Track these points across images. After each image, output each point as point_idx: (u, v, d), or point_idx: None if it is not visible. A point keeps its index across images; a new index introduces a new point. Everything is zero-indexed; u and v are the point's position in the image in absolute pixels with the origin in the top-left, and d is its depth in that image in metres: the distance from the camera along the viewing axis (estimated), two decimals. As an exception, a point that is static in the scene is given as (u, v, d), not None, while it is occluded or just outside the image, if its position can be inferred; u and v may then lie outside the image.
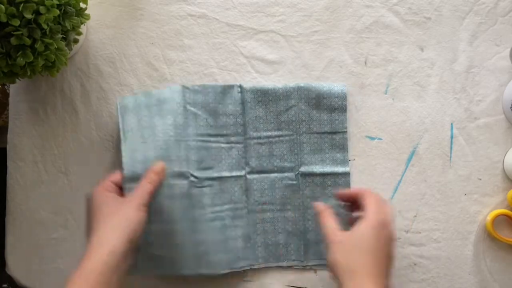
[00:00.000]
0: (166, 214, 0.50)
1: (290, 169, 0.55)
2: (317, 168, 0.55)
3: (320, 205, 0.51)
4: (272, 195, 0.55)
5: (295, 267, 0.55)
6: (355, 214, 0.51)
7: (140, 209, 0.45)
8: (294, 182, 0.55)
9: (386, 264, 0.45)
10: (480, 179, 0.55)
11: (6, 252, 0.56)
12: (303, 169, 0.55)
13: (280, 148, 0.55)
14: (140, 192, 0.47)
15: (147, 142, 0.50)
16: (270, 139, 0.55)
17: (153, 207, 0.49)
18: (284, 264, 0.55)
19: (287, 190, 0.55)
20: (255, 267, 0.55)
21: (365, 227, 0.46)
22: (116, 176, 0.49)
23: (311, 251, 0.55)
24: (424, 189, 0.55)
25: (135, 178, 0.49)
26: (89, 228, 0.45)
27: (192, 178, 0.52)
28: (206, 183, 0.53)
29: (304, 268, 0.55)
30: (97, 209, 0.45)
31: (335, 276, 0.45)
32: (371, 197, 0.49)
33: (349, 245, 0.46)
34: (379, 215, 0.47)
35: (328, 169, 0.55)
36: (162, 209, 0.50)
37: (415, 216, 0.55)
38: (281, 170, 0.55)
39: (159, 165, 0.49)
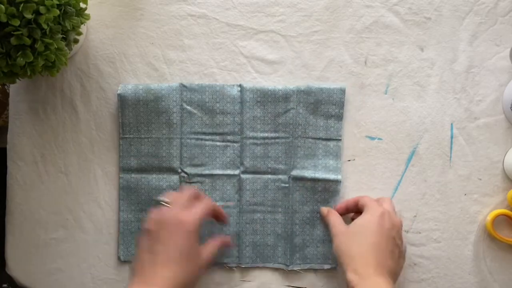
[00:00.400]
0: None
1: (284, 172, 0.55)
2: (309, 173, 0.55)
3: (324, 209, 0.54)
4: (264, 197, 0.55)
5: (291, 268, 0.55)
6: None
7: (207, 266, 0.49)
8: (286, 185, 0.55)
9: (391, 249, 0.47)
10: (480, 179, 0.55)
11: (6, 252, 0.56)
12: (294, 172, 0.55)
13: (275, 150, 0.55)
14: (212, 254, 0.50)
15: (141, 138, 0.55)
16: (266, 140, 0.55)
17: (144, 197, 0.55)
18: (270, 265, 0.55)
19: (279, 192, 0.55)
20: (242, 266, 0.55)
21: (365, 217, 0.49)
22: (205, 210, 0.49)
23: (297, 255, 0.55)
24: (424, 189, 0.55)
25: (129, 170, 0.55)
26: (153, 245, 0.46)
27: (182, 174, 0.55)
28: (196, 179, 0.55)
29: (303, 268, 0.55)
30: (183, 241, 0.46)
31: (340, 265, 0.48)
32: (368, 197, 0.52)
33: (351, 234, 0.49)
34: (378, 207, 0.50)
35: (319, 175, 0.54)
36: (152, 200, 0.55)
37: (415, 216, 0.55)
38: (275, 172, 0.55)
39: (228, 239, 0.53)
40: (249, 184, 0.55)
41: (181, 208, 0.47)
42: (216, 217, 0.53)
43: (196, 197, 0.50)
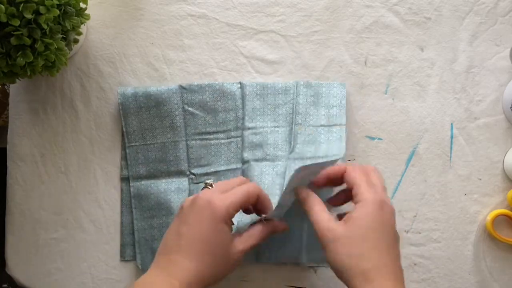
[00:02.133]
0: (165, 209, 0.54)
1: (282, 158, 0.54)
2: (309, 154, 0.51)
3: (303, 191, 0.44)
4: (261, 181, 0.53)
5: (295, 265, 0.55)
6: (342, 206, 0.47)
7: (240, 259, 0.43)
8: (283, 169, 0.53)
9: (397, 247, 0.40)
10: (480, 179, 0.55)
11: (6, 252, 0.56)
12: (293, 155, 0.52)
13: (274, 138, 0.54)
14: (248, 247, 0.43)
15: (147, 144, 0.54)
16: (266, 129, 0.54)
17: (153, 203, 0.54)
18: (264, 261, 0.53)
19: (278, 177, 0.53)
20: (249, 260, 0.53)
21: (364, 214, 0.39)
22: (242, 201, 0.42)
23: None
24: (424, 189, 0.55)
25: (138, 178, 0.54)
26: (180, 235, 0.41)
27: (191, 176, 0.55)
28: (203, 178, 0.55)
29: (304, 268, 0.55)
30: (209, 228, 0.40)
31: (342, 279, 0.39)
32: (357, 173, 0.42)
33: (352, 240, 0.39)
34: (375, 193, 0.40)
35: (320, 154, 0.51)
36: (161, 203, 0.54)
37: (415, 216, 0.55)
38: (274, 159, 0.54)
39: (279, 226, 0.46)
40: (247, 173, 0.53)
41: (219, 192, 0.42)
42: (259, 207, 0.45)
43: (241, 183, 0.44)
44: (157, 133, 0.54)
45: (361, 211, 0.40)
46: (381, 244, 0.39)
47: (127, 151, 0.55)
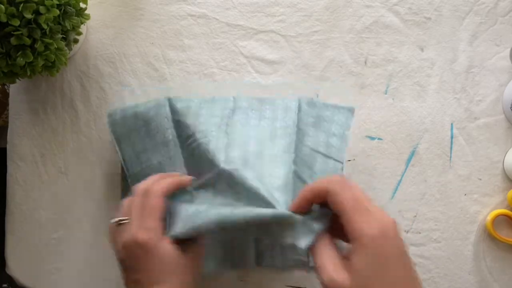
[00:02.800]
0: None
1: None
2: (305, 176, 0.46)
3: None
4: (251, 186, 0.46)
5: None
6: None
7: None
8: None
9: (410, 276, 0.34)
10: (480, 179, 0.55)
11: (6, 252, 0.56)
12: (296, 159, 0.46)
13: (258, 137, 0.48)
14: (198, 258, 0.43)
15: (143, 168, 0.50)
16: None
17: None
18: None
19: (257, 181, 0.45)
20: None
21: (364, 259, 0.33)
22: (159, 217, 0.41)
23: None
24: (424, 189, 0.55)
25: None
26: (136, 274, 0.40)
27: None
28: (197, 183, 0.50)
29: (303, 268, 0.55)
30: (154, 261, 0.40)
31: None
32: (344, 196, 0.35)
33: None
34: (372, 223, 0.33)
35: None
36: None
37: (415, 216, 0.55)
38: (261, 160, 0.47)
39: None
40: (233, 177, 0.46)
41: (138, 219, 0.40)
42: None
43: (150, 187, 0.42)
44: (151, 154, 0.50)
45: (360, 256, 0.33)
46: (391, 282, 0.33)
47: (128, 180, 0.50)
